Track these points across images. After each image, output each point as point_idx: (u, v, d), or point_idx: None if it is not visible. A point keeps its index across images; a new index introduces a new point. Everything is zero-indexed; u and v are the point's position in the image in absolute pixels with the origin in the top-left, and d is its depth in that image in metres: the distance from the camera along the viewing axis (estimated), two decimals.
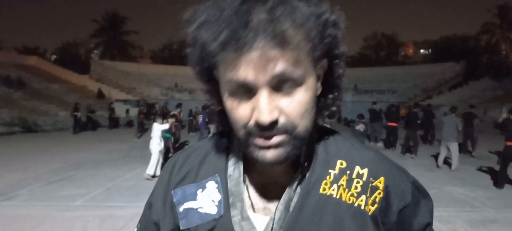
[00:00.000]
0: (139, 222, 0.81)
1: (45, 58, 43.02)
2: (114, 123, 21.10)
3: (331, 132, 0.75)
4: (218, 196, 0.69)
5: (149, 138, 7.96)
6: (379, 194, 0.67)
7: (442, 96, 28.40)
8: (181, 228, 0.69)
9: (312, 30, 0.56)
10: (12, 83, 24.55)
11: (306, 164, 0.69)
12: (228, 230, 0.65)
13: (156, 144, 7.68)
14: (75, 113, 18.13)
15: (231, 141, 0.76)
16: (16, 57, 33.05)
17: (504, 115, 7.82)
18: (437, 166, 8.96)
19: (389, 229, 0.67)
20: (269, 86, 0.55)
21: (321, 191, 0.65)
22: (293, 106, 0.57)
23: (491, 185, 7.20)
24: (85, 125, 19.25)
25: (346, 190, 0.66)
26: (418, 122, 11.21)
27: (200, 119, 13.75)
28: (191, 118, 18.82)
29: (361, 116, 10.08)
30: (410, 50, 60.57)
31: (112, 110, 21.31)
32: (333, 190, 0.66)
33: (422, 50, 59.43)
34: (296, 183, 0.66)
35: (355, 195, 0.66)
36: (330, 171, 0.68)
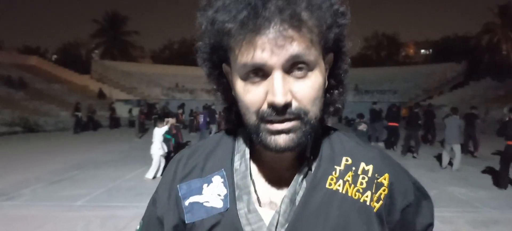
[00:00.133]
0: (143, 218, 0.81)
1: (46, 58, 43.04)
2: (115, 123, 21.12)
3: (335, 131, 0.77)
4: (224, 190, 0.69)
5: (150, 139, 7.96)
6: (383, 190, 0.68)
7: (443, 97, 28.35)
8: (186, 222, 0.69)
9: (325, 16, 0.59)
10: (13, 84, 24.56)
11: (311, 158, 0.69)
12: (234, 223, 0.66)
13: (157, 148, 7.64)
14: (76, 113, 18.14)
15: (237, 137, 0.76)
16: (17, 57, 33.08)
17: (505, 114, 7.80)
18: (441, 167, 8.94)
19: (393, 228, 0.68)
20: (282, 69, 0.57)
21: (327, 185, 0.66)
22: (305, 91, 0.59)
23: (493, 185, 7.19)
24: (86, 125, 19.26)
25: (352, 185, 0.67)
26: (420, 122, 11.20)
27: (201, 118, 13.74)
28: (192, 118, 18.82)
29: (361, 115, 10.08)
30: (411, 50, 60.45)
31: (113, 110, 21.33)
32: (339, 185, 0.67)
33: (423, 50, 59.28)
34: (301, 177, 0.67)
35: (361, 190, 0.66)
36: (335, 167, 0.69)
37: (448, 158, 8.89)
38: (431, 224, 0.76)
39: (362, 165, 0.69)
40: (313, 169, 0.68)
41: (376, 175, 0.69)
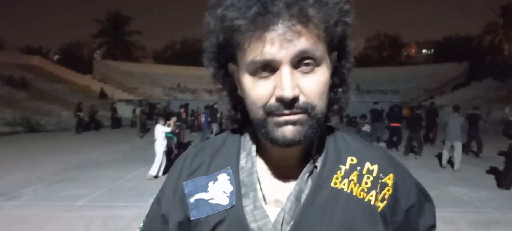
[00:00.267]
0: (146, 217, 0.82)
1: (48, 58, 43.16)
2: (116, 123, 21.13)
3: (340, 131, 0.78)
4: (229, 188, 0.70)
5: (151, 139, 7.98)
6: (388, 190, 0.68)
7: (445, 97, 28.27)
8: (191, 219, 0.69)
9: (331, 13, 0.60)
10: (15, 83, 24.65)
11: (317, 157, 0.70)
12: (240, 219, 0.66)
13: (160, 145, 7.69)
14: (78, 113, 18.16)
15: (243, 135, 0.77)
16: (19, 57, 33.20)
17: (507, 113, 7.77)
18: (441, 165, 8.93)
19: (396, 229, 0.69)
20: (290, 64, 0.58)
21: (332, 184, 0.67)
22: (312, 86, 0.60)
23: (495, 186, 7.16)
24: (88, 125, 19.28)
25: (357, 185, 0.68)
26: (423, 123, 11.17)
27: (202, 118, 13.75)
28: (193, 117, 18.82)
29: (364, 116, 10.06)
30: (413, 51, 60.38)
31: (114, 110, 21.34)
32: (344, 184, 0.67)
33: (424, 51, 59.24)
34: (307, 175, 0.68)
35: (366, 190, 0.67)
36: (341, 166, 0.69)
37: (448, 156, 8.88)
38: (433, 226, 0.77)
39: (367, 164, 0.70)
40: (318, 167, 0.69)
41: (381, 174, 0.69)
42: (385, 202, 0.67)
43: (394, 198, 0.69)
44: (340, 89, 0.72)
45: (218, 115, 15.48)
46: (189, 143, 12.88)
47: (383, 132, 13.34)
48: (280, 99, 0.58)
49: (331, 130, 0.76)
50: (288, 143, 0.61)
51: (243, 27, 0.58)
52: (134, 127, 20.18)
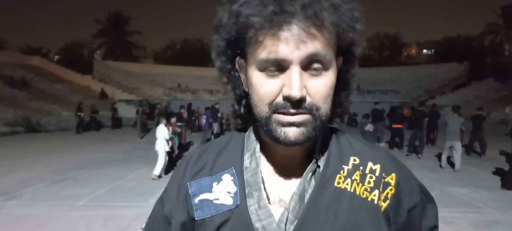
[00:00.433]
0: (149, 217, 0.83)
1: (48, 58, 43.25)
2: (117, 123, 21.11)
3: (343, 132, 0.78)
4: (233, 188, 0.71)
5: (152, 138, 7.97)
6: (390, 190, 0.69)
7: (445, 97, 28.25)
8: (196, 219, 0.70)
9: (344, 18, 0.61)
10: (16, 84, 24.68)
11: (320, 157, 0.71)
12: (244, 219, 0.67)
13: (161, 145, 7.67)
14: (79, 113, 18.15)
15: (246, 136, 0.78)
16: (19, 57, 33.26)
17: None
18: (440, 166, 8.93)
19: (399, 229, 0.70)
20: (300, 65, 0.59)
21: (335, 184, 0.68)
22: (319, 88, 0.61)
23: (495, 186, 7.15)
24: (88, 125, 19.27)
25: (360, 184, 0.68)
26: (426, 119, 11.13)
27: (203, 119, 13.75)
28: (194, 118, 18.79)
29: (367, 116, 10.04)
30: (413, 51, 60.29)
31: (115, 110, 21.33)
32: (347, 184, 0.68)
33: (425, 51, 59.16)
34: (310, 175, 0.68)
35: (369, 189, 0.68)
36: (343, 166, 0.70)
37: (447, 156, 8.87)
38: (436, 227, 0.77)
39: (370, 164, 0.71)
40: (321, 167, 0.70)
41: (383, 174, 0.70)
42: (388, 201, 0.68)
43: (396, 198, 0.69)
44: (343, 93, 0.72)
45: (219, 115, 15.48)
46: (190, 143, 12.89)
47: (384, 132, 13.32)
48: (287, 98, 0.59)
49: (334, 131, 0.76)
50: (290, 143, 0.62)
51: (258, 24, 0.58)
52: (136, 127, 20.17)
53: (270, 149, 0.72)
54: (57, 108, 23.59)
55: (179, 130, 9.53)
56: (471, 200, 6.24)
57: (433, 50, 52.08)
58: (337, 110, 0.73)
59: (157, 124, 8.09)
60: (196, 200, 0.71)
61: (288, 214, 0.65)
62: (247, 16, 0.59)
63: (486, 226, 5.02)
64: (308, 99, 0.60)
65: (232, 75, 0.73)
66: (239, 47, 0.66)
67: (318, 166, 0.69)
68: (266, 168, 0.72)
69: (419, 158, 10.30)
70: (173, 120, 9.01)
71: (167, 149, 7.75)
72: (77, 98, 24.08)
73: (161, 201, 0.80)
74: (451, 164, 8.83)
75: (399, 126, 11.95)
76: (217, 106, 15.30)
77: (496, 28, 40.44)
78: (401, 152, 11.44)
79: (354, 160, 0.71)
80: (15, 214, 5.33)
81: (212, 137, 13.48)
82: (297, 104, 0.59)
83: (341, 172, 0.69)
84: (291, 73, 0.58)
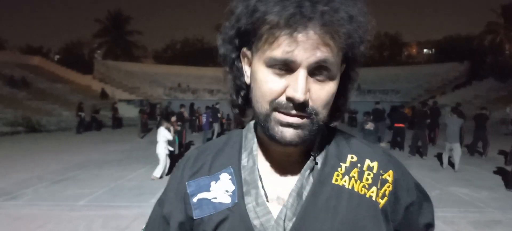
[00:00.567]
0: (149, 218, 0.83)
1: (48, 58, 43.23)
2: (117, 123, 21.11)
3: (341, 131, 0.79)
4: (231, 187, 0.71)
5: (152, 138, 7.96)
6: (388, 187, 0.70)
7: (446, 97, 28.25)
8: (194, 218, 0.70)
9: (357, 30, 0.61)
10: (16, 83, 24.68)
11: (318, 155, 0.71)
12: (242, 217, 0.67)
13: (162, 148, 7.64)
14: (80, 113, 18.15)
15: (244, 135, 0.78)
16: (20, 57, 33.25)
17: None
18: (442, 166, 8.92)
19: (397, 226, 0.71)
20: (308, 69, 0.59)
21: (333, 181, 0.68)
22: (321, 94, 0.61)
23: (496, 186, 7.14)
24: (89, 125, 19.28)
25: (358, 181, 0.69)
26: (428, 120, 11.09)
27: (204, 119, 13.75)
28: (194, 117, 18.78)
29: (367, 114, 10.04)
30: (414, 50, 60.22)
31: (115, 110, 21.32)
32: (345, 181, 0.68)
33: (425, 50, 59.07)
34: (308, 172, 0.69)
35: (367, 186, 0.69)
36: (341, 163, 0.71)
37: (447, 157, 8.87)
38: (432, 225, 0.77)
39: (367, 161, 0.72)
40: (319, 164, 0.70)
41: (381, 171, 0.71)
42: (385, 198, 0.69)
43: (394, 195, 0.70)
44: (342, 97, 0.73)
45: (219, 115, 15.48)
46: (190, 143, 12.89)
47: (384, 132, 13.32)
48: (290, 99, 0.60)
49: (332, 130, 0.77)
50: (285, 144, 0.63)
51: (274, 22, 0.58)
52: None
53: (268, 147, 0.72)
54: (58, 108, 23.59)
55: (179, 128, 9.51)
56: (471, 199, 6.24)
57: (433, 50, 52.02)
58: (335, 114, 0.73)
59: (158, 126, 8.05)
60: (195, 199, 0.72)
61: (286, 211, 0.65)
62: (264, 13, 0.59)
63: (486, 225, 5.01)
64: (310, 103, 0.61)
65: (235, 65, 0.72)
66: (248, 39, 0.65)
67: (316, 163, 0.70)
68: (263, 166, 0.73)
69: (423, 158, 10.22)
70: (173, 118, 9.00)
71: (168, 151, 7.73)
72: (78, 98, 24.07)
73: (160, 202, 0.80)
74: (452, 163, 8.82)
75: (401, 125, 11.92)
76: (217, 106, 15.31)
77: (496, 28, 40.39)
78: (402, 152, 11.43)
79: (352, 158, 0.72)
80: (15, 214, 5.33)
81: (214, 137, 13.45)
82: (299, 107, 0.60)
83: (339, 169, 0.69)
84: (298, 76, 0.59)
